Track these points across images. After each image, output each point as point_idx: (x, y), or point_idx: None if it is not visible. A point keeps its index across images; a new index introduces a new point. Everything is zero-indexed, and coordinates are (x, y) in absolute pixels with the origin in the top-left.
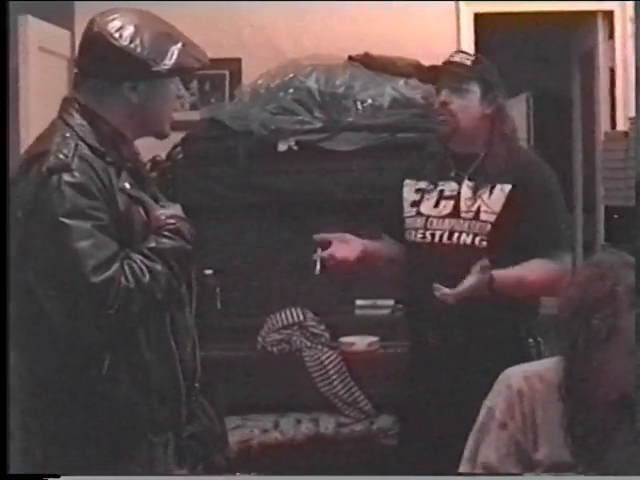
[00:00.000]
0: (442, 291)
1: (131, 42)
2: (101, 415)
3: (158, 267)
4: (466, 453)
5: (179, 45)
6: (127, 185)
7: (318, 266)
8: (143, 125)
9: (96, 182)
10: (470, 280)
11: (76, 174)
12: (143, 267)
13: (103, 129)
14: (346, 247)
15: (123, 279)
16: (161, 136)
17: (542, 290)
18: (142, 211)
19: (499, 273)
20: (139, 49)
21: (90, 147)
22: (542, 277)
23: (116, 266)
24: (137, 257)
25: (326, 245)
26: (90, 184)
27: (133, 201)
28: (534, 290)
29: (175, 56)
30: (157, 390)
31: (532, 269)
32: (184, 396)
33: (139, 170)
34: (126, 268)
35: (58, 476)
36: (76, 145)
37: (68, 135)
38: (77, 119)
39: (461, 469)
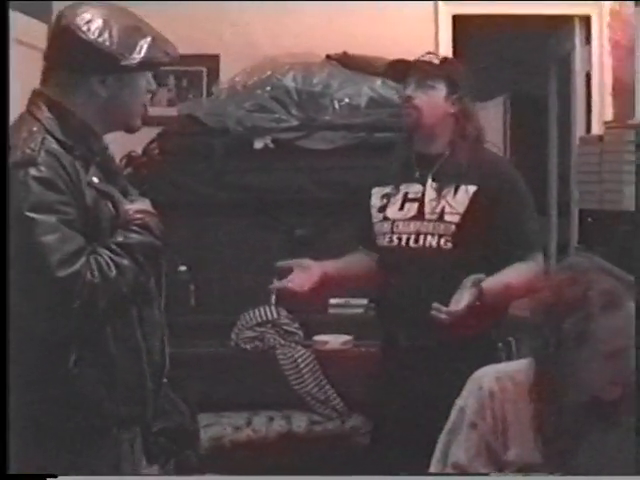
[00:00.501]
0: (442, 311)
1: (100, 36)
2: (66, 410)
3: (125, 262)
4: (437, 453)
5: (148, 39)
6: (95, 179)
7: (273, 298)
8: (112, 119)
9: (63, 176)
10: (465, 298)
11: (42, 168)
12: (110, 262)
13: (71, 123)
14: (302, 276)
15: (89, 274)
16: (131, 130)
17: (527, 293)
18: (110, 206)
19: (487, 284)
20: (107, 43)
21: (58, 141)
22: (525, 280)
23: (82, 261)
24: (104, 252)
25: (287, 272)
26: (56, 178)
27: (101, 195)
28: (520, 294)
29: (144, 50)
30: (123, 385)
31: (515, 274)
32: (151, 392)
33: (108, 164)
34: (92, 263)
35: (55, 476)
36: (43, 139)
37: (35, 129)
38: (45, 112)
39: (432, 469)
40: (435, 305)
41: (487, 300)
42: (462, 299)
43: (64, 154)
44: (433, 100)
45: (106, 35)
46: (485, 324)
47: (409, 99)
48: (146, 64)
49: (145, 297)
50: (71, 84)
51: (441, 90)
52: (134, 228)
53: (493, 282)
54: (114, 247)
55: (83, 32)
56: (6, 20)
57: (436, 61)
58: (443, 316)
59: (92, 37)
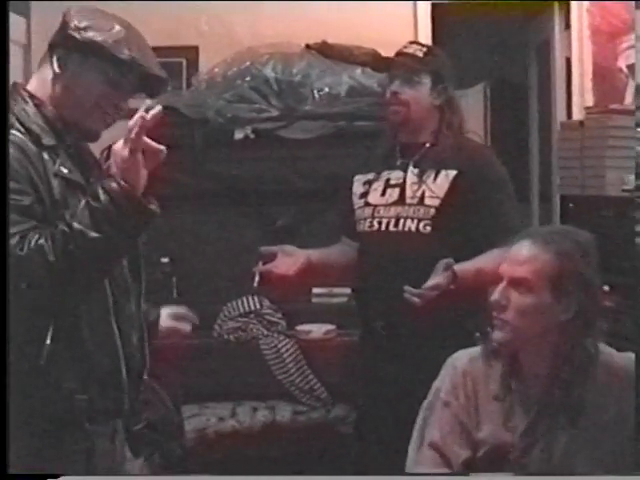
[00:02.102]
0: (413, 293)
1: (77, 17)
2: (39, 403)
3: (57, 229)
4: (414, 432)
5: (116, 32)
6: (64, 169)
7: (257, 279)
8: (71, 109)
9: (24, 165)
10: (436, 280)
11: None
12: (41, 233)
13: (45, 112)
14: (287, 261)
15: (18, 250)
16: (87, 134)
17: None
18: (81, 196)
19: (460, 267)
20: (74, 19)
21: (27, 130)
22: (498, 265)
23: (15, 240)
24: (44, 226)
25: (271, 257)
26: (16, 167)
27: (70, 186)
28: (494, 279)
29: (102, 37)
30: (97, 380)
31: (490, 259)
32: (127, 387)
33: (83, 155)
34: (25, 239)
35: (58, 476)
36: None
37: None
38: (20, 104)
39: (410, 448)
40: (407, 288)
41: (461, 284)
42: (434, 280)
43: (29, 145)
44: (419, 94)
45: (82, 17)
46: (460, 309)
47: (395, 95)
48: (95, 48)
49: (123, 292)
50: (43, 62)
51: (426, 84)
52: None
53: (467, 266)
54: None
55: (70, 17)
56: (6, 20)
57: (420, 54)
58: (415, 299)
59: (70, 17)
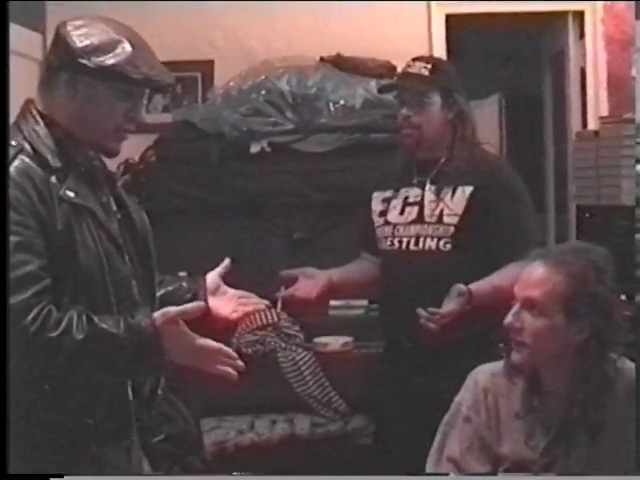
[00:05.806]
0: (426, 318)
1: (78, 36)
2: (46, 425)
3: (79, 336)
4: (434, 446)
5: (125, 51)
6: (70, 193)
7: (279, 304)
8: (88, 130)
9: (30, 194)
10: (451, 306)
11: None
12: (62, 322)
13: (56, 132)
14: (309, 283)
15: (30, 318)
16: (106, 152)
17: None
18: (90, 221)
19: (476, 287)
20: (77, 41)
21: (36, 152)
22: (515, 281)
23: (29, 293)
24: (69, 313)
25: (292, 281)
26: (21, 198)
27: (77, 210)
28: (511, 295)
29: (112, 60)
30: (104, 402)
31: (506, 275)
32: (136, 408)
33: (94, 175)
34: (42, 310)
35: (62, 476)
36: (16, 155)
37: (14, 144)
38: (31, 123)
39: (428, 461)
40: (422, 314)
41: (478, 303)
42: (448, 307)
43: (37, 170)
44: (431, 115)
45: (83, 37)
46: (480, 326)
47: (407, 118)
48: (106, 72)
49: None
50: (51, 89)
51: (436, 102)
52: (126, 316)
53: (483, 285)
54: (83, 315)
55: (67, 32)
56: (6, 30)
57: (426, 72)
58: (431, 325)
59: (69, 35)
